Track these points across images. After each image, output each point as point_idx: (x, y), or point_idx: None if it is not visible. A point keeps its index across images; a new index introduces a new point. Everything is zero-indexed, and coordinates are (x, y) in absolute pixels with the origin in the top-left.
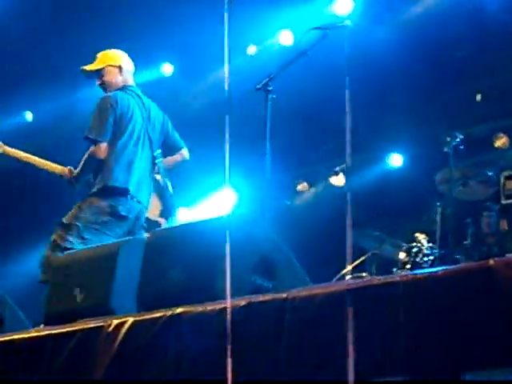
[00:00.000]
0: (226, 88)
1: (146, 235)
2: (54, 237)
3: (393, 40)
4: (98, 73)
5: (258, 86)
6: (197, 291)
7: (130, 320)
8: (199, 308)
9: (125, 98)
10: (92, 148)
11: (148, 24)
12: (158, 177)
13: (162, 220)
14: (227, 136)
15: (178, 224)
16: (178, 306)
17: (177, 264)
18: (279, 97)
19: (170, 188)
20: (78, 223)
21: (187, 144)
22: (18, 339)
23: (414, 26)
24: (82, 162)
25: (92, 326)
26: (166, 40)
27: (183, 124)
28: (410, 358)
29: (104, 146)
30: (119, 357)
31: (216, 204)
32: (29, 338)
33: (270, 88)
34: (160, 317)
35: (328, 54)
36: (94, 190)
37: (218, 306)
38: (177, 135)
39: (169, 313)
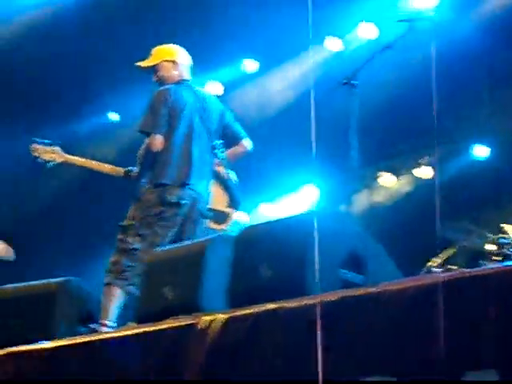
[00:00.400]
0: (311, 83)
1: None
2: (117, 241)
3: (476, 30)
4: (154, 68)
5: (344, 81)
6: (286, 287)
7: (221, 317)
8: (290, 304)
9: (179, 91)
10: (147, 140)
11: (230, 21)
12: (220, 168)
13: (230, 210)
14: (313, 132)
15: (265, 220)
16: (267, 302)
17: (265, 260)
18: (364, 90)
19: (234, 178)
20: (132, 222)
21: (273, 140)
22: (111, 338)
23: (497, 16)
24: (140, 158)
25: (183, 323)
26: (248, 36)
27: (266, 120)
28: (500, 354)
29: (159, 137)
30: (211, 354)
31: (299, 199)
32: (122, 336)
33: (356, 82)
34: (251, 313)
35: (412, 47)
36: (146, 184)
37: (308, 301)
38: (237, 126)
39: (260, 309)
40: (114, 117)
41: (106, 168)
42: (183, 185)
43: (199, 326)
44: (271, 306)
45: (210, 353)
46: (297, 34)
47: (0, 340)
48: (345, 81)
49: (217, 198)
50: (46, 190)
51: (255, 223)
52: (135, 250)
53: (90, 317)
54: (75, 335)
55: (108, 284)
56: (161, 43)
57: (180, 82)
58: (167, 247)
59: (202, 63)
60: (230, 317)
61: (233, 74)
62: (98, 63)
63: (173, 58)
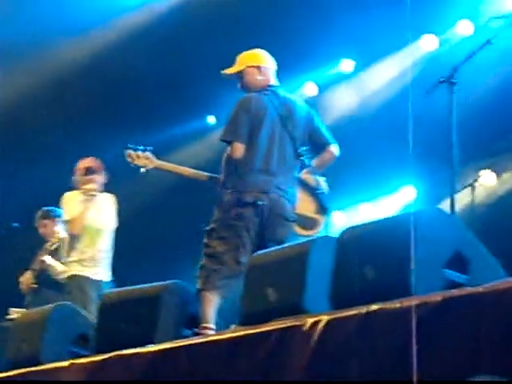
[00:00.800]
0: (408, 82)
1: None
2: (202, 246)
3: None
4: (239, 75)
5: (442, 79)
6: (389, 288)
7: (325, 318)
8: (393, 305)
9: (261, 99)
10: (228, 149)
11: (327, 20)
12: (307, 175)
13: (319, 217)
14: (411, 131)
15: (366, 221)
16: (370, 303)
17: (368, 261)
18: (463, 87)
19: (324, 185)
20: (215, 226)
21: (370, 141)
22: (215, 340)
23: None
24: (222, 166)
25: (287, 325)
26: (344, 35)
27: (362, 119)
28: None
29: (239, 145)
30: (315, 356)
31: (398, 200)
32: (226, 338)
33: (455, 80)
34: (355, 314)
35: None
36: (231, 189)
37: (413, 301)
38: (324, 132)
39: (364, 310)
40: (211, 120)
41: (192, 174)
42: (263, 190)
43: (303, 328)
44: (374, 307)
45: (313, 354)
46: (393, 32)
47: (109, 343)
48: (443, 79)
49: (304, 204)
50: (141, 195)
51: (357, 224)
52: (218, 253)
53: (194, 320)
54: (180, 338)
55: (199, 290)
56: (256, 46)
57: (264, 88)
58: (269, 249)
59: (298, 64)
60: (334, 318)
61: (329, 75)
62: (196, 65)
63: (257, 64)
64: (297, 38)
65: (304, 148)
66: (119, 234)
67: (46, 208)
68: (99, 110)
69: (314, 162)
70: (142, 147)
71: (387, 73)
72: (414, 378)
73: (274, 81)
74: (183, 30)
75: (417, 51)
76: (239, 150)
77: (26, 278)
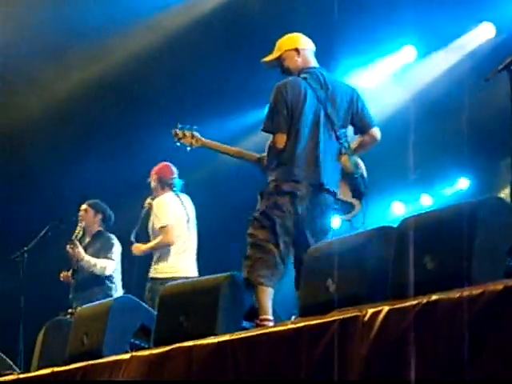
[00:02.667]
0: (466, 71)
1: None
2: (247, 235)
3: None
4: (278, 61)
5: (501, 67)
6: (450, 278)
7: (386, 309)
8: (455, 294)
9: (298, 83)
10: (270, 139)
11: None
12: (345, 158)
13: (355, 201)
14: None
15: (427, 211)
16: (431, 293)
17: (428, 251)
18: None
19: (362, 168)
20: (257, 215)
21: (426, 133)
22: (276, 331)
23: None
24: (266, 153)
25: (348, 316)
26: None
27: (421, 110)
28: None
29: (280, 135)
30: (376, 346)
31: (454, 191)
32: (286, 330)
33: None
34: (415, 304)
35: None
36: (272, 178)
37: (474, 291)
38: (367, 114)
39: (424, 300)
40: None
41: (239, 153)
42: (302, 179)
43: (364, 318)
44: (434, 297)
45: (374, 344)
46: (452, 20)
47: (170, 335)
48: (502, 66)
49: (341, 189)
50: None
51: (416, 214)
52: (261, 241)
53: (254, 311)
54: (240, 330)
55: (244, 279)
56: (316, 30)
57: (303, 71)
58: (328, 240)
59: (360, 53)
60: (394, 308)
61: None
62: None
63: (294, 46)
64: (358, 25)
65: (343, 130)
66: None
67: (95, 200)
68: (155, 105)
69: (353, 145)
70: (188, 126)
71: (446, 61)
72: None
73: (313, 62)
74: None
75: (475, 39)
76: (281, 140)
77: (65, 274)
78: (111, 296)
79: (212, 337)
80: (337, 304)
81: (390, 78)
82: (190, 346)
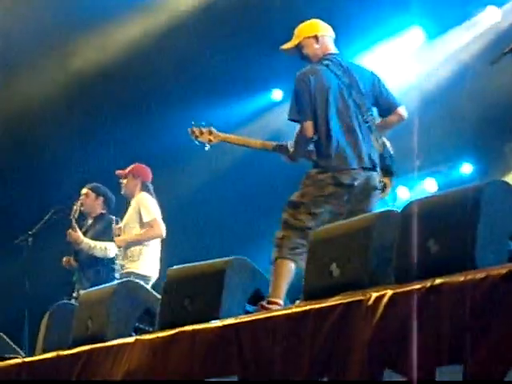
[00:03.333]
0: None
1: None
2: (284, 216)
3: None
4: (298, 48)
5: (506, 50)
6: (453, 261)
7: (389, 292)
8: (459, 278)
9: (320, 70)
10: (298, 128)
11: None
12: (373, 139)
13: (386, 180)
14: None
15: (430, 195)
16: (435, 277)
17: (432, 235)
18: None
19: (388, 147)
20: (305, 200)
21: (430, 118)
22: (279, 315)
23: None
24: (294, 142)
25: (351, 300)
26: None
27: (426, 91)
28: None
29: (308, 124)
30: (379, 330)
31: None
32: (290, 313)
33: None
34: (419, 288)
35: None
36: (322, 167)
37: (478, 274)
38: (390, 94)
39: (428, 284)
40: (277, 94)
41: (258, 144)
42: (354, 166)
43: (368, 302)
44: (438, 280)
45: (377, 328)
46: (457, 4)
47: (174, 319)
48: (507, 50)
49: None
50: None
51: (420, 197)
52: (308, 228)
53: (258, 295)
54: (244, 314)
55: (279, 258)
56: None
57: (324, 58)
58: (332, 224)
59: (363, 36)
60: (398, 292)
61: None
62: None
63: (312, 33)
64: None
65: (370, 113)
66: (183, 212)
67: (96, 183)
68: (162, 88)
69: (379, 124)
70: (203, 123)
71: (451, 44)
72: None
73: (332, 48)
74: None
75: (480, 23)
76: (309, 128)
77: (67, 258)
78: (114, 278)
79: (216, 320)
80: (341, 288)
81: (394, 61)
82: (194, 330)
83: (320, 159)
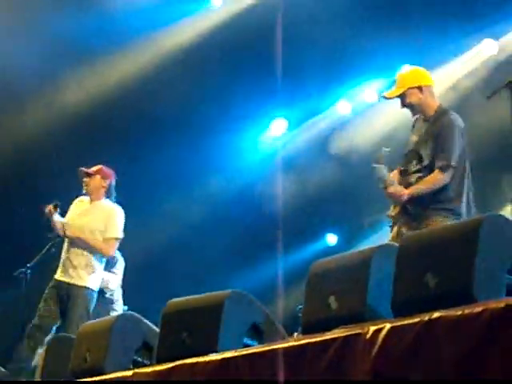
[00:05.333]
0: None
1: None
2: None
3: None
4: (400, 97)
5: (503, 84)
6: (452, 295)
7: (388, 326)
8: (457, 312)
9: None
10: (439, 171)
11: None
12: None
13: None
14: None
15: (428, 229)
16: (433, 311)
17: (429, 268)
18: None
19: None
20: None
21: None
22: (278, 349)
23: None
24: (429, 184)
25: (349, 333)
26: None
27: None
28: None
29: (452, 171)
30: (378, 364)
31: None
32: (289, 347)
33: None
34: (417, 322)
35: None
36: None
37: (476, 309)
38: None
39: (426, 318)
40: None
41: None
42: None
43: (366, 336)
44: (436, 314)
45: (375, 362)
46: (454, 38)
47: (172, 352)
48: (503, 84)
49: None
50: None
51: (418, 231)
52: None
53: (256, 328)
54: (242, 347)
55: None
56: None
57: (447, 111)
58: (331, 257)
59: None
60: (396, 326)
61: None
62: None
63: (417, 84)
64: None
65: None
66: (181, 245)
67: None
68: (158, 119)
69: None
70: None
71: (448, 78)
72: None
73: (436, 99)
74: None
75: (477, 56)
76: (451, 176)
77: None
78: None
79: (215, 354)
80: (339, 321)
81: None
82: (192, 363)
83: (448, 203)
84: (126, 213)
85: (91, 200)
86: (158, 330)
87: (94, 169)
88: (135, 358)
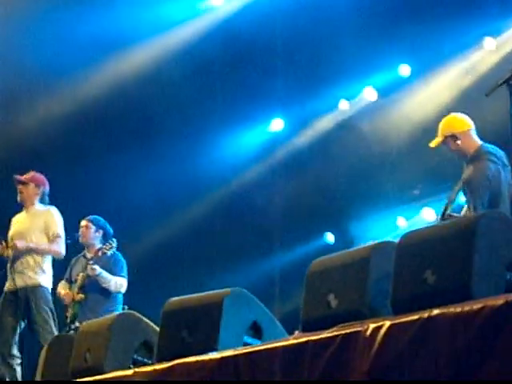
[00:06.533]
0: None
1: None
2: None
3: None
4: (443, 144)
5: (500, 81)
6: (451, 292)
7: (387, 324)
8: (456, 309)
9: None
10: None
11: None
12: None
13: None
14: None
15: (427, 225)
16: (432, 307)
17: (428, 266)
18: None
19: None
20: None
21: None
22: (277, 347)
23: None
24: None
25: (349, 331)
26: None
27: (422, 128)
28: None
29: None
30: (378, 362)
31: None
32: (288, 345)
33: None
34: (417, 319)
35: None
36: None
37: (475, 305)
38: None
39: (425, 315)
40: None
41: None
42: None
43: (365, 333)
44: (436, 311)
45: (375, 359)
46: (453, 35)
47: (172, 351)
48: (502, 81)
49: None
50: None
51: (416, 228)
52: None
53: (256, 326)
54: (242, 345)
55: None
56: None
57: (484, 151)
58: (329, 255)
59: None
60: (396, 323)
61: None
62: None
63: (451, 132)
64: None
65: None
66: (181, 245)
67: (95, 216)
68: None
69: None
70: None
71: (446, 76)
72: None
73: (477, 139)
74: None
75: (478, 54)
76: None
77: (64, 288)
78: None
79: (214, 352)
80: (338, 319)
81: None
82: (192, 362)
83: None
84: (128, 213)
85: (26, 207)
86: (157, 328)
87: (28, 176)
88: (135, 356)
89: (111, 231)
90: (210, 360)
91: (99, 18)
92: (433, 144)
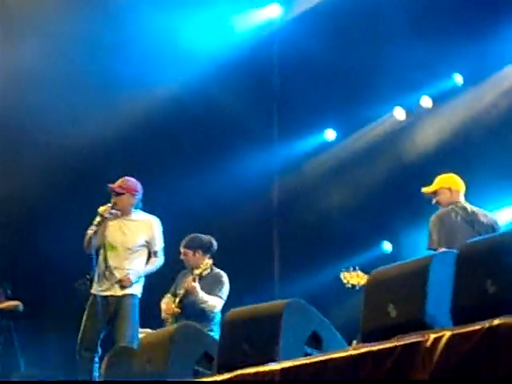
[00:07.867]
0: None
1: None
2: None
3: None
4: (434, 193)
5: None
6: (511, 303)
7: (448, 334)
8: None
9: (448, 213)
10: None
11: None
12: None
13: None
14: None
15: (487, 236)
16: (493, 318)
17: (489, 275)
18: None
19: None
20: None
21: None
22: (338, 358)
23: None
24: None
25: (410, 341)
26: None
27: (477, 134)
28: None
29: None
30: (438, 372)
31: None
32: (348, 356)
33: None
34: (478, 329)
35: None
36: None
37: None
38: None
39: (486, 325)
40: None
41: None
42: None
43: (426, 344)
44: (496, 321)
45: (436, 370)
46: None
47: (232, 362)
48: None
49: None
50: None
51: (477, 238)
52: None
53: (316, 337)
54: (302, 356)
55: None
56: None
57: (452, 204)
58: (388, 265)
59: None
60: (456, 333)
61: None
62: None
63: (448, 186)
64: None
65: None
66: (235, 254)
67: (190, 236)
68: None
69: None
70: (351, 267)
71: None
72: None
73: (459, 199)
74: None
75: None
76: None
77: (168, 303)
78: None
79: (275, 363)
80: (398, 329)
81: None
82: (252, 373)
83: None
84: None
85: (122, 215)
86: (217, 339)
87: (122, 186)
88: (196, 368)
89: (210, 242)
90: (270, 371)
91: (162, 28)
92: (425, 190)
